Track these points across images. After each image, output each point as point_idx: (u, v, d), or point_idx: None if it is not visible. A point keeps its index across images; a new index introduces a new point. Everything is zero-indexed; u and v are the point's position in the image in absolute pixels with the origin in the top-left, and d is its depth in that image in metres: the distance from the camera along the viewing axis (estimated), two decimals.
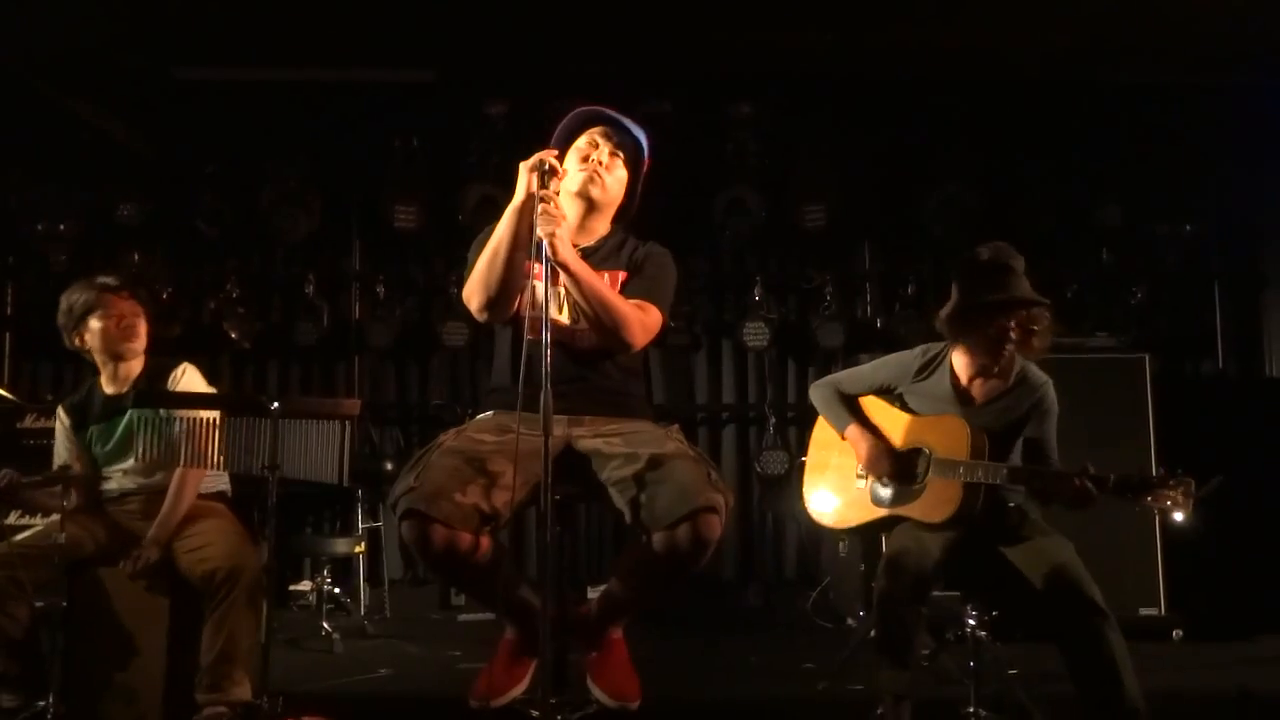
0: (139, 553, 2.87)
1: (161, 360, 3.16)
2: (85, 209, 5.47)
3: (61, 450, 3.17)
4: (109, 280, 3.13)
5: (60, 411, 3.20)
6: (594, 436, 2.35)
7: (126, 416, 3.00)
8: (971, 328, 2.77)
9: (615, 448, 2.30)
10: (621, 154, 2.50)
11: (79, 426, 3.14)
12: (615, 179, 2.50)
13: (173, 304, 5.39)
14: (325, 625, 4.28)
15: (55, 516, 2.81)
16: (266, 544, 2.65)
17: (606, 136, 2.49)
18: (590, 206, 2.50)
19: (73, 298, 3.10)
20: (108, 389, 3.12)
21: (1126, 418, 4.23)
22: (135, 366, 3.12)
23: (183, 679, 2.82)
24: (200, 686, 2.78)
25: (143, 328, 3.13)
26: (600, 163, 2.46)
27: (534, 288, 2.30)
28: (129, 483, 3.09)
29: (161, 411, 2.80)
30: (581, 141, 2.51)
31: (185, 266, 5.51)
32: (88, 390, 3.19)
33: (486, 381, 5.38)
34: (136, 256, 5.41)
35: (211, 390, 3.21)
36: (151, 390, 3.02)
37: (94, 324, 3.07)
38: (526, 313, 2.36)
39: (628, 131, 2.51)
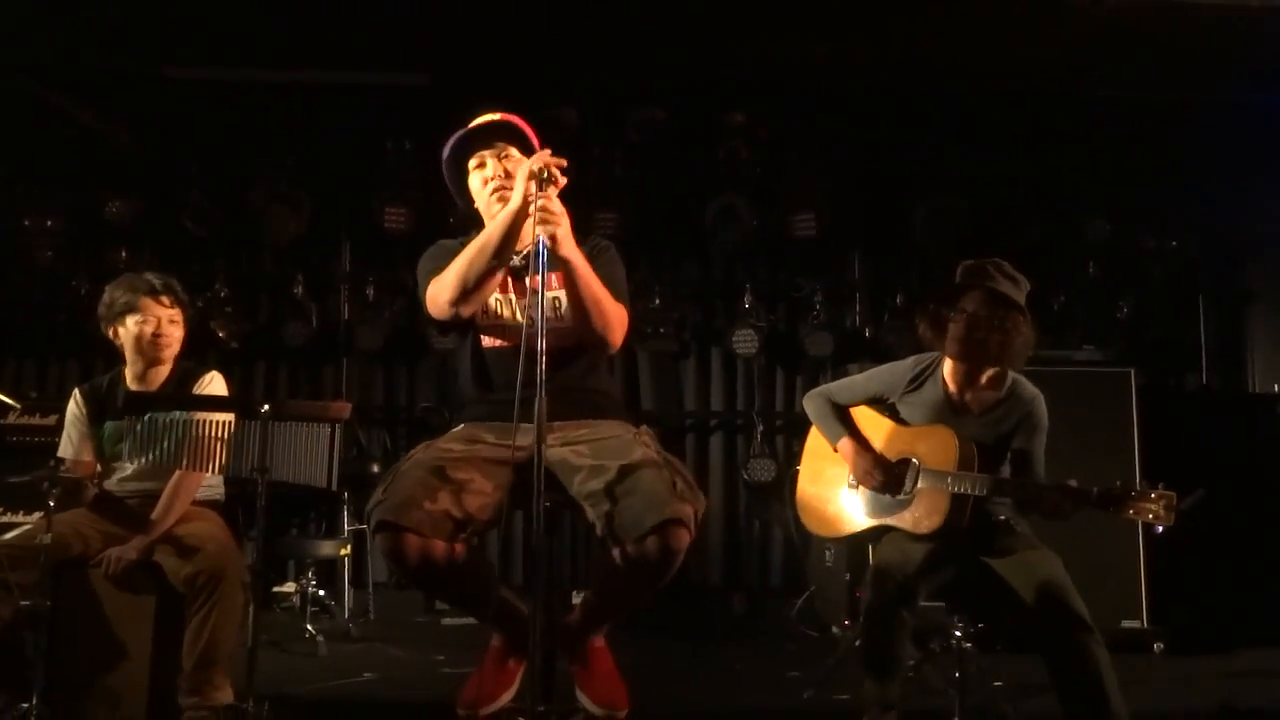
0: (118, 553, 2.83)
1: (190, 366, 3.12)
2: (72, 206, 5.44)
3: (70, 437, 3.09)
4: (154, 282, 3.06)
5: (77, 396, 3.12)
6: (562, 445, 2.32)
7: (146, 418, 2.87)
8: (940, 324, 2.80)
9: (582, 458, 2.28)
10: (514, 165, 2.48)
11: (95, 418, 3.07)
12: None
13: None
14: (309, 628, 4.27)
15: (41, 516, 2.78)
16: (254, 546, 2.62)
17: (499, 157, 2.51)
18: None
19: (115, 293, 3.06)
20: (133, 386, 3.07)
21: (1112, 430, 4.27)
22: (164, 370, 3.09)
23: (168, 682, 2.80)
24: (182, 690, 2.75)
25: (177, 335, 3.08)
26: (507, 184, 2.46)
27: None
28: (135, 484, 3.03)
29: (176, 414, 2.71)
30: (484, 170, 2.54)
31: (173, 265, 5.47)
32: (110, 382, 3.11)
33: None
34: (124, 254, 5.38)
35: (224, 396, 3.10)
36: (141, 394, 2.98)
37: (129, 325, 3.03)
38: (482, 321, 2.43)
39: (514, 136, 2.51)
